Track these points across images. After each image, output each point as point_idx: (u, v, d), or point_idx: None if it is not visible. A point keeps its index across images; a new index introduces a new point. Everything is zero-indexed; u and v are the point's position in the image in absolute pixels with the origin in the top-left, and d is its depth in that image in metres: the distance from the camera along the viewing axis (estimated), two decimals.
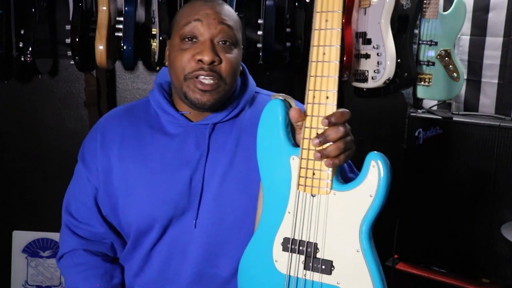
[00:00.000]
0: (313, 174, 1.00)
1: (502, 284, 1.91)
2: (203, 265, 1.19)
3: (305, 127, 1.00)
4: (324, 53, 0.98)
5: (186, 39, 1.16)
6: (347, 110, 0.98)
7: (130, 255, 1.27)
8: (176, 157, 1.20)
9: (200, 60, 1.13)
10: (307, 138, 1.00)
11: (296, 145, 1.04)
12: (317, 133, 0.98)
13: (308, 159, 1.00)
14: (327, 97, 0.98)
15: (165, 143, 1.21)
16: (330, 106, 0.98)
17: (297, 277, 1.03)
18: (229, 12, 1.20)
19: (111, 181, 1.22)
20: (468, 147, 1.93)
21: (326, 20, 0.98)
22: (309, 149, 1.00)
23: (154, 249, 1.22)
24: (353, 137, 1.00)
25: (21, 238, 2.34)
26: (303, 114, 1.00)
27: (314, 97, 0.99)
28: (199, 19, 1.15)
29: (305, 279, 1.02)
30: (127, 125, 1.25)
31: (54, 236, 2.31)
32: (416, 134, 2.02)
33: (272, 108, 1.05)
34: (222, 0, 1.24)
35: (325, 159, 0.97)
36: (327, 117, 0.96)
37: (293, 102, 1.06)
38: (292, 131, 1.06)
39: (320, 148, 0.97)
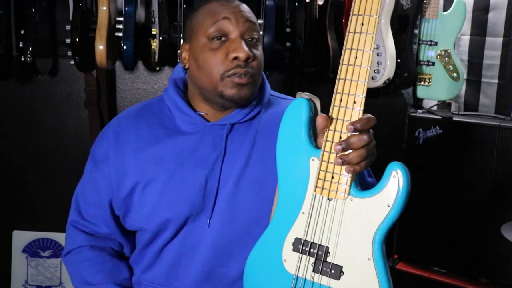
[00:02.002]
0: (332, 177, 0.98)
1: (502, 284, 1.91)
2: (212, 265, 1.19)
3: (328, 129, 0.99)
4: (356, 57, 0.97)
5: (215, 38, 1.15)
6: (373, 117, 0.96)
7: (141, 253, 1.26)
8: (192, 157, 1.19)
9: (235, 58, 1.13)
10: (329, 141, 0.98)
11: (317, 146, 1.02)
12: (340, 137, 0.97)
13: (328, 162, 0.99)
14: (354, 102, 0.96)
15: (181, 143, 1.20)
16: (356, 111, 0.96)
17: (305, 279, 1.02)
18: (250, 10, 1.21)
19: (125, 183, 1.21)
20: (468, 147, 1.93)
21: (362, 24, 0.97)
22: (330, 152, 0.98)
23: (166, 248, 1.22)
24: (375, 143, 0.99)
25: (21, 238, 2.34)
26: (329, 122, 0.99)
27: (341, 100, 0.97)
28: (227, 17, 1.15)
29: (313, 282, 1.01)
30: (142, 125, 1.24)
31: (54, 236, 2.31)
32: (416, 134, 2.02)
33: (297, 106, 1.02)
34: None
35: (346, 165, 0.96)
36: (353, 123, 0.94)
37: (318, 102, 1.04)
38: (314, 132, 1.04)
39: (342, 154, 0.96)
